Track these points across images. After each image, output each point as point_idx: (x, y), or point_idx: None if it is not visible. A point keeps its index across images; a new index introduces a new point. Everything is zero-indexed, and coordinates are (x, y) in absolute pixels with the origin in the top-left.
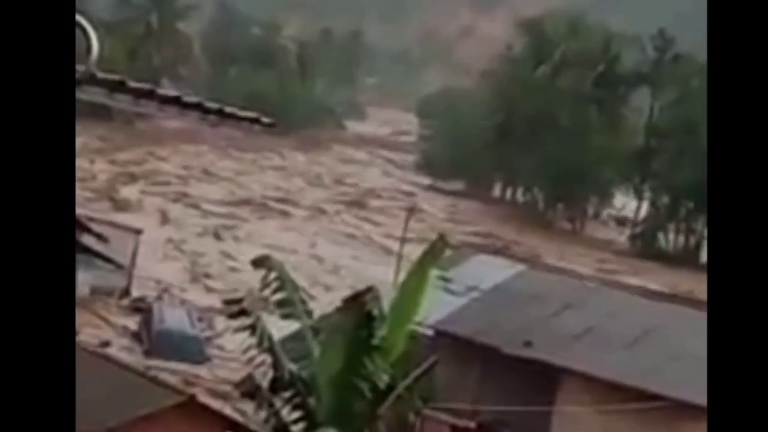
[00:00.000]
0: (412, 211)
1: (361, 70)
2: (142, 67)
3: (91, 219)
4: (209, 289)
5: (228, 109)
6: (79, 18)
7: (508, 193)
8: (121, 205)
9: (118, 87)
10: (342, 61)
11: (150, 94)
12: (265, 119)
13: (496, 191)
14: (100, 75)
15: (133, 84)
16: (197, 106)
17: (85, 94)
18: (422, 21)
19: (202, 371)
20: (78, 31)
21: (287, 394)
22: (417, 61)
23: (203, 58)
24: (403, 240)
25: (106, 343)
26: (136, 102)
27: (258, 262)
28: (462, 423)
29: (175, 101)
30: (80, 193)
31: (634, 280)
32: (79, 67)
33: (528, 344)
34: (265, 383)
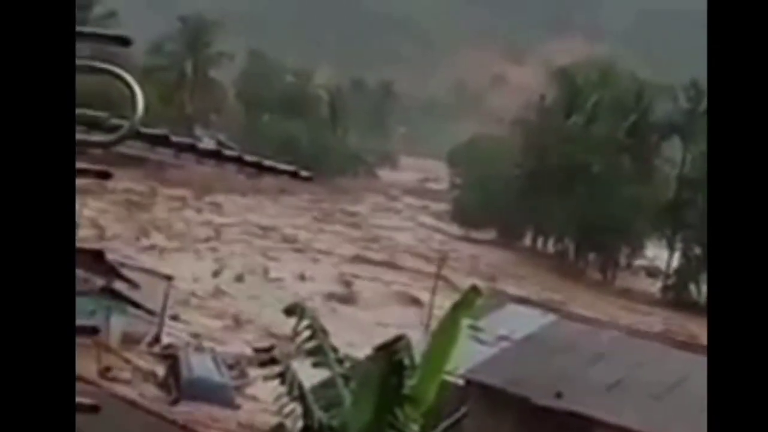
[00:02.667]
0: (443, 260)
1: (392, 119)
2: (175, 114)
3: (123, 265)
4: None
5: (267, 163)
6: (124, 73)
7: (539, 242)
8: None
9: (161, 141)
10: (374, 110)
11: (191, 149)
12: (303, 173)
13: (527, 241)
14: (143, 130)
15: (175, 138)
16: (237, 160)
17: (126, 148)
18: (454, 70)
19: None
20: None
21: None
22: (448, 110)
23: (236, 105)
24: (434, 289)
25: (108, 369)
26: (176, 155)
27: (290, 310)
28: None
29: (216, 155)
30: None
31: (665, 331)
32: (124, 122)
33: (559, 395)
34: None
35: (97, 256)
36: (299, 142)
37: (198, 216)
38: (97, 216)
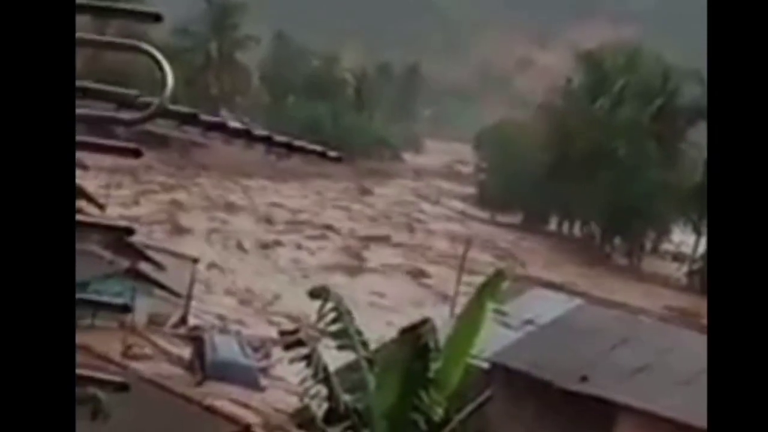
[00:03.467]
0: (468, 244)
1: (418, 103)
2: (200, 96)
3: (148, 246)
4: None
5: (296, 143)
6: (152, 50)
7: (565, 227)
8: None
9: (190, 120)
10: (399, 94)
11: (220, 127)
12: (332, 153)
13: (553, 225)
14: (172, 108)
15: (204, 117)
16: (266, 139)
17: (154, 126)
18: (480, 54)
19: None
20: (152, 63)
21: (342, 426)
22: (474, 93)
23: (261, 88)
24: (460, 273)
25: (129, 347)
26: (204, 134)
27: (315, 293)
28: None
29: (245, 134)
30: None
31: (691, 316)
32: (153, 100)
33: (584, 379)
34: (320, 414)
35: (128, 232)
36: (324, 126)
37: (221, 198)
38: (123, 198)
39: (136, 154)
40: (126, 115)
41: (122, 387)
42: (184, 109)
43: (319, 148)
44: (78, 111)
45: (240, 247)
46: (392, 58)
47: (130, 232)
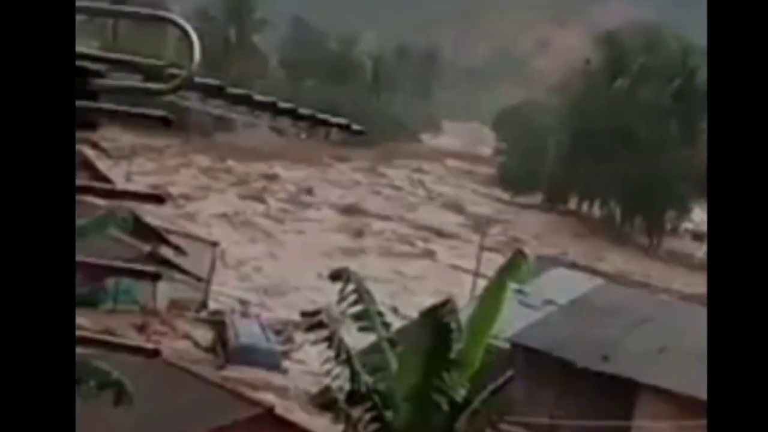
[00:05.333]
0: (488, 225)
1: (436, 85)
2: (219, 80)
3: (169, 231)
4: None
5: (320, 116)
6: (180, 20)
7: (585, 206)
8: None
9: (216, 92)
10: (417, 76)
11: (246, 100)
12: (355, 126)
13: (573, 205)
14: (198, 80)
15: (230, 89)
16: (291, 112)
17: (178, 99)
18: (498, 35)
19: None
20: (180, 33)
21: (364, 407)
22: (493, 74)
23: (279, 72)
24: (480, 253)
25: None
26: (229, 107)
27: (336, 275)
28: None
29: (271, 107)
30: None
31: None
32: (181, 72)
33: (605, 359)
34: (342, 396)
35: (158, 200)
36: (342, 108)
37: (242, 180)
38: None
39: (166, 122)
40: (154, 85)
41: (154, 353)
42: (210, 81)
43: (343, 121)
44: (107, 82)
45: (260, 229)
46: (410, 41)
47: (160, 200)
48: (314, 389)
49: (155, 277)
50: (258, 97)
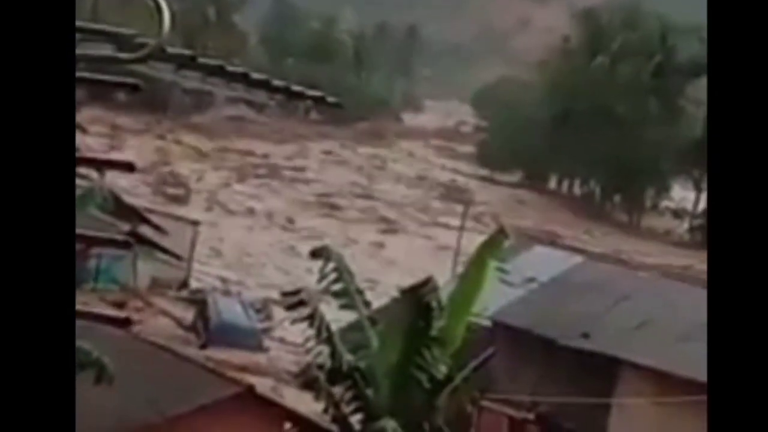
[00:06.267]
0: (468, 203)
1: (417, 63)
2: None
3: (150, 210)
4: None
5: (295, 88)
6: None
7: (565, 184)
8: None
9: (188, 63)
10: (398, 54)
11: (220, 71)
12: (330, 99)
13: (553, 183)
14: (170, 50)
15: (202, 60)
16: (264, 84)
17: (151, 70)
18: (478, 13)
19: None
20: (151, 4)
21: (345, 385)
22: (473, 52)
23: (259, 50)
24: (461, 232)
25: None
26: (203, 79)
27: (316, 253)
28: (519, 414)
29: (243, 78)
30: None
31: (692, 272)
32: (150, 41)
33: (586, 336)
34: (323, 374)
35: (129, 168)
36: (323, 87)
37: (219, 162)
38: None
39: (135, 89)
40: (124, 54)
41: (126, 322)
42: (182, 51)
43: (317, 93)
44: (78, 51)
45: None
46: (390, 19)
47: (131, 167)
48: (294, 368)
49: (126, 245)
50: (231, 68)
